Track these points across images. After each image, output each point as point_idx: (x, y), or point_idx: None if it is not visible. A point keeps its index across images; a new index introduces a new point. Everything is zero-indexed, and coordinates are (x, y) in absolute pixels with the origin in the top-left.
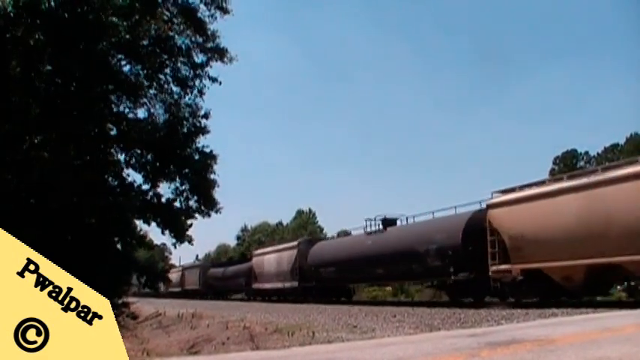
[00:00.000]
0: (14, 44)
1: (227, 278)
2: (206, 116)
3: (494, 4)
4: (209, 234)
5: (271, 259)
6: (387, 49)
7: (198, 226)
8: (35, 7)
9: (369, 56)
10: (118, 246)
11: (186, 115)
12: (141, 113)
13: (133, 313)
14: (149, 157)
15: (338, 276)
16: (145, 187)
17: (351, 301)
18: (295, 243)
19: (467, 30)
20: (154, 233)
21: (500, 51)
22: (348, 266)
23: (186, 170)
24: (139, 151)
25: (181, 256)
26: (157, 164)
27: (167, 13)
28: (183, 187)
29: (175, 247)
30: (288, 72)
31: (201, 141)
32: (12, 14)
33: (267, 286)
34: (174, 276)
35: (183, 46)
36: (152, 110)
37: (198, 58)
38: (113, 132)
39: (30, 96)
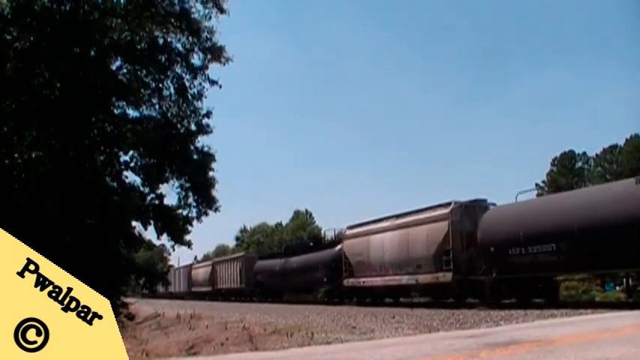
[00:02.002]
0: (10, 45)
1: (290, 273)
2: (207, 115)
3: (494, 2)
4: (208, 235)
5: (386, 240)
6: (386, 47)
7: (197, 227)
8: (30, 8)
9: (368, 55)
10: (118, 246)
11: (187, 114)
12: (139, 114)
13: (130, 314)
14: (148, 158)
15: (563, 261)
16: (143, 189)
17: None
18: (445, 211)
19: (466, 29)
20: (154, 234)
21: (499, 50)
22: (595, 241)
23: (187, 170)
24: (137, 153)
25: (180, 257)
26: (156, 166)
27: (162, 12)
28: (184, 188)
29: (174, 249)
30: (286, 72)
31: (203, 140)
32: (9, 16)
33: (377, 281)
34: (200, 272)
35: (180, 47)
36: (151, 112)
37: (196, 59)
38: (112, 133)
39: (28, 97)
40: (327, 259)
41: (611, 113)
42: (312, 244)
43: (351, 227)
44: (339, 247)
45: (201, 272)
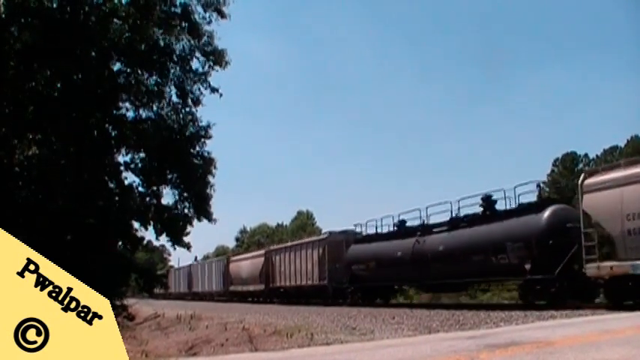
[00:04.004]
0: (10, 45)
1: (433, 260)
2: (206, 129)
3: (494, 3)
4: (207, 235)
5: None
6: (386, 48)
7: (196, 228)
8: (27, 7)
9: (368, 56)
10: (117, 246)
11: (186, 121)
12: (139, 116)
13: (130, 314)
14: (148, 160)
15: None
16: (142, 189)
17: None
18: None
19: (466, 30)
20: (153, 235)
21: (499, 52)
22: None
23: (186, 174)
24: (137, 154)
25: (180, 257)
26: (156, 167)
27: (163, 15)
28: (185, 193)
29: (175, 249)
30: (288, 71)
31: (203, 146)
32: (4, 16)
33: None
34: (244, 265)
35: (180, 50)
36: (150, 114)
37: (196, 63)
38: (113, 134)
39: (28, 97)
40: (532, 232)
41: (613, 114)
42: (484, 209)
43: (596, 172)
44: (550, 210)
45: (246, 265)
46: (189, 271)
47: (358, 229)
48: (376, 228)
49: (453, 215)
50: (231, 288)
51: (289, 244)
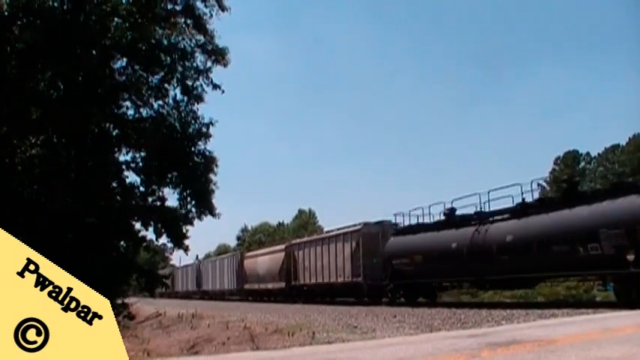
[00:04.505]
0: (11, 44)
1: (498, 252)
2: (208, 126)
3: (494, 3)
4: (209, 234)
5: None
6: (386, 47)
7: (197, 227)
8: (30, 6)
9: (368, 56)
10: (119, 246)
11: (189, 118)
12: (141, 115)
13: (130, 313)
14: (149, 159)
15: None
16: (143, 189)
17: None
18: None
19: (466, 30)
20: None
21: (500, 51)
22: None
23: (187, 172)
24: (139, 153)
25: (182, 256)
26: (156, 166)
27: (164, 12)
28: (186, 192)
29: (174, 250)
30: (287, 72)
31: (203, 145)
32: (7, 13)
33: None
34: (261, 261)
35: (185, 47)
36: (153, 113)
37: (198, 61)
38: (114, 133)
39: (28, 97)
40: (636, 217)
41: (614, 113)
42: (565, 188)
43: None
44: None
45: (264, 262)
46: (198, 269)
47: (399, 219)
48: (419, 217)
49: (518, 200)
50: (246, 286)
51: (315, 237)
